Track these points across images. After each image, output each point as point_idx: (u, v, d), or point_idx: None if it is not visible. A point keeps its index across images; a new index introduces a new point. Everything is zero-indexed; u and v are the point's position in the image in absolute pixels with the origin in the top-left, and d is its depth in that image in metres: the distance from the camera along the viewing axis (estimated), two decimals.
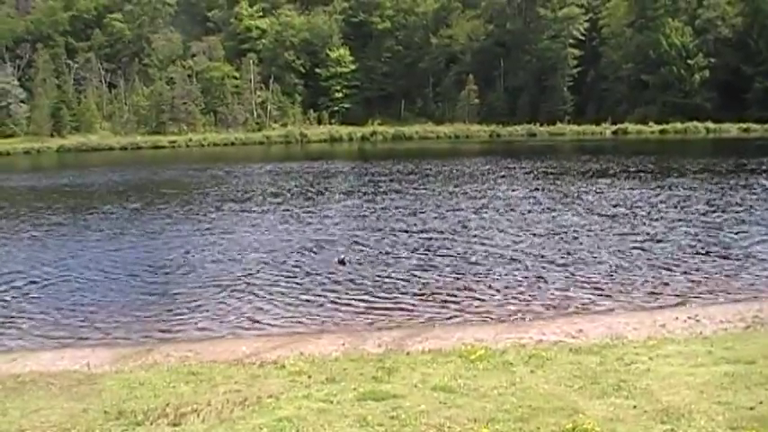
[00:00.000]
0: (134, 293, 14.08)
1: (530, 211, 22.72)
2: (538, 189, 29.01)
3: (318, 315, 12.11)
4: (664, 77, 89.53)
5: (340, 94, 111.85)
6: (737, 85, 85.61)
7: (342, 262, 15.15)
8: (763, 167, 35.38)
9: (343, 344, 9.99)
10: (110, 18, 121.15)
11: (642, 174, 34.52)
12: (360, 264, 15.73)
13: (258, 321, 11.90)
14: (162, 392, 7.56)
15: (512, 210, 23.17)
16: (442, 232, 19.48)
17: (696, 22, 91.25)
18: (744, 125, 78.09)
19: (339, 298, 13.12)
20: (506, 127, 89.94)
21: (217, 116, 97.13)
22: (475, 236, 18.75)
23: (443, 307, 12.37)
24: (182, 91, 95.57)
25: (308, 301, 13.02)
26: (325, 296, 13.28)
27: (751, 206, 22.64)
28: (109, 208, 27.64)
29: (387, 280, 14.34)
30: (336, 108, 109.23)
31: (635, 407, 6.45)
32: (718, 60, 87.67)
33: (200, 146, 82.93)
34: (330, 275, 14.83)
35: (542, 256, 15.96)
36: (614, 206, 23.47)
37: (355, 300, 12.98)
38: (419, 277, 14.48)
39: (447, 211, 23.45)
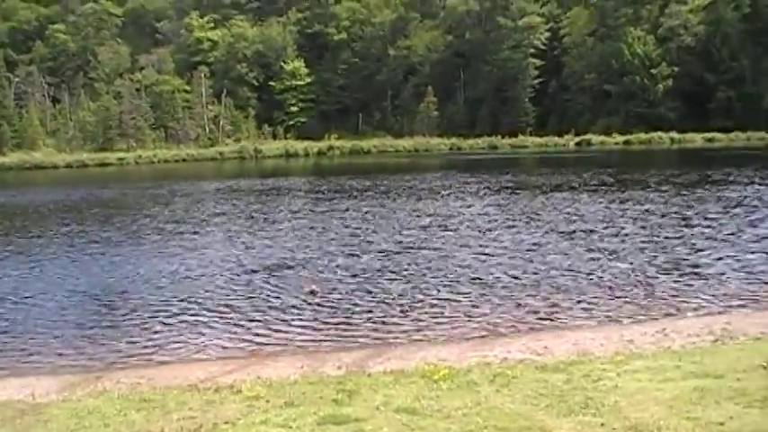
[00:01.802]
0: (79, 319, 13.85)
1: (490, 229, 22.80)
2: (498, 205, 29.18)
3: (275, 337, 12.05)
4: (627, 87, 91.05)
5: (295, 108, 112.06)
6: (701, 94, 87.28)
7: (312, 292, 14.74)
8: (730, 179, 35.99)
9: (302, 366, 9.94)
10: (52, 29, 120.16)
11: (605, 187, 34.91)
12: (318, 286, 15.68)
13: (212, 345, 11.80)
14: (112, 421, 7.45)
15: (472, 227, 23.25)
16: (400, 251, 19.50)
17: (658, 31, 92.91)
18: (708, 135, 79.61)
19: (296, 319, 13.08)
20: (467, 140, 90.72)
21: (167, 132, 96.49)
22: (434, 254, 18.78)
23: (404, 326, 12.38)
24: (130, 106, 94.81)
25: (263, 323, 12.94)
26: (281, 318, 13.22)
27: (715, 219, 22.98)
28: (46, 230, 27.25)
29: (345, 300, 14.32)
30: (292, 122, 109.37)
31: (603, 424, 6.50)
32: (681, 69, 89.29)
33: (150, 163, 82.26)
34: (285, 297, 14.77)
35: (504, 274, 16.03)
36: (576, 222, 23.70)
37: (313, 321, 12.96)
38: (378, 297, 14.47)
39: (405, 229, 23.47)
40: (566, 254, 18.10)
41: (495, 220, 24.47)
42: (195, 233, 24.70)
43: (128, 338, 12.40)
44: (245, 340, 12.00)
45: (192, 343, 11.97)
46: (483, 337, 11.59)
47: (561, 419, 6.70)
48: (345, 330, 12.27)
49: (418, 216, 26.32)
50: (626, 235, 20.61)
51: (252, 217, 28.72)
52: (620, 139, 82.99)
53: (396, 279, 15.94)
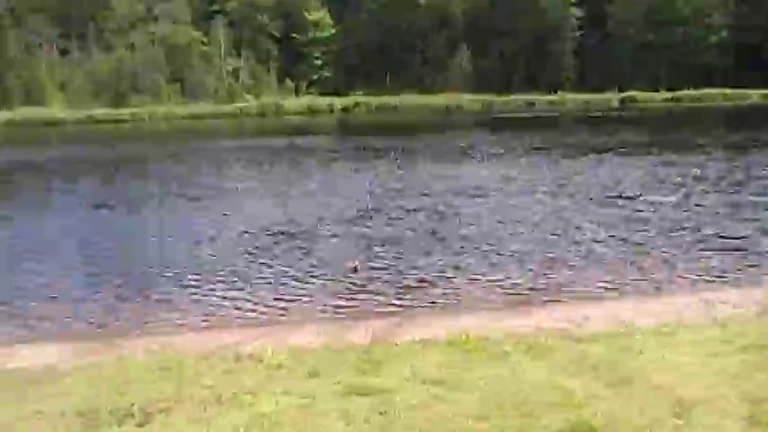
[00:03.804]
0: (90, 284, 14.01)
1: (525, 193, 22.75)
2: (531, 168, 29.06)
3: (297, 304, 12.13)
4: (677, 39, 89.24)
5: (319, 61, 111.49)
6: (759, 45, 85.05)
7: (355, 269, 14.24)
8: None
9: (326, 334, 10.01)
10: None
11: (648, 149, 34.53)
12: (359, 262, 15.73)
13: (233, 311, 11.90)
14: (128, 390, 7.55)
15: (503, 192, 23.12)
16: (426, 217, 19.45)
17: None
18: (766, 91, 77.34)
19: (319, 285, 13.15)
20: (502, 96, 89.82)
21: (183, 86, 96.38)
22: (463, 221, 18.74)
23: (433, 294, 12.42)
24: (143, 58, 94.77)
25: (285, 288, 13.03)
26: (303, 284, 13.29)
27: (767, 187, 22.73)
28: (53, 190, 27.55)
29: (373, 265, 14.39)
30: (315, 76, 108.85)
31: (645, 399, 6.52)
32: (737, 20, 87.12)
33: (165, 119, 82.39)
34: (306, 262, 14.84)
35: (537, 241, 16.02)
36: (614, 188, 23.47)
37: (337, 287, 13.01)
38: (404, 263, 14.50)
39: (432, 194, 23.34)
40: (603, 222, 17.95)
41: (528, 185, 24.34)
42: (212, 195, 24.79)
43: (143, 304, 12.52)
44: (267, 306, 12.06)
45: (210, 309, 12.06)
46: (516, 306, 11.60)
47: (602, 394, 6.72)
48: (371, 297, 12.32)
49: (446, 180, 26.24)
50: (668, 203, 20.44)
51: (271, 179, 28.79)
52: (668, 95, 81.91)
53: (421, 246, 15.95)
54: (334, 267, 14.27)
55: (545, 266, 13.91)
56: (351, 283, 13.19)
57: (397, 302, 12.00)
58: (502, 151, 35.51)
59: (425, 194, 22.99)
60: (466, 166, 30.01)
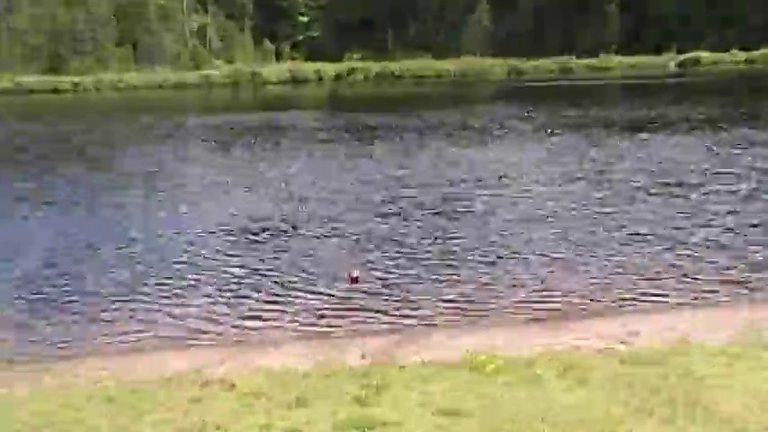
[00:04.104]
0: (21, 296, 13.89)
1: (555, 181, 22.79)
2: (569, 148, 29.11)
3: (279, 318, 12.12)
4: None
5: (305, 18, 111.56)
6: None
7: (355, 279, 14.03)
8: None
9: (315, 354, 10.01)
10: None
11: (716, 123, 34.47)
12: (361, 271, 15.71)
13: (198, 326, 11.88)
14: (65, 428, 7.52)
15: (532, 179, 23.19)
16: (435, 212, 19.45)
17: None
18: None
19: (305, 295, 13.14)
20: (531, 61, 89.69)
21: (137, 49, 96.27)
22: (480, 217, 18.74)
23: (445, 305, 12.41)
24: (87, 14, 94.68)
25: (264, 298, 13.03)
26: (285, 293, 13.29)
27: None
28: None
29: (368, 271, 14.38)
30: (300, 37, 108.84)
31: (702, 427, 6.53)
32: None
33: (114, 89, 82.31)
34: (287, 267, 14.82)
35: (574, 239, 16.02)
36: (668, 174, 23.44)
37: (327, 297, 13.00)
38: (410, 267, 14.54)
39: (443, 183, 23.35)
40: (653, 216, 17.91)
41: (559, 171, 24.37)
42: (172, 185, 24.88)
43: (86, 319, 12.47)
44: (240, 321, 12.05)
45: (170, 324, 12.05)
46: (548, 319, 11.59)
47: (655, 428, 6.72)
48: (367, 311, 12.29)
49: (458, 166, 26.33)
50: (738, 192, 20.40)
51: (246, 164, 28.83)
52: (742, 56, 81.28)
53: (430, 247, 15.96)
54: (322, 273, 14.26)
55: (581, 272, 13.89)
56: (343, 293, 13.17)
57: (400, 317, 11.97)
58: (529, 129, 35.52)
59: (433, 184, 23.03)
60: (483, 149, 30.04)
